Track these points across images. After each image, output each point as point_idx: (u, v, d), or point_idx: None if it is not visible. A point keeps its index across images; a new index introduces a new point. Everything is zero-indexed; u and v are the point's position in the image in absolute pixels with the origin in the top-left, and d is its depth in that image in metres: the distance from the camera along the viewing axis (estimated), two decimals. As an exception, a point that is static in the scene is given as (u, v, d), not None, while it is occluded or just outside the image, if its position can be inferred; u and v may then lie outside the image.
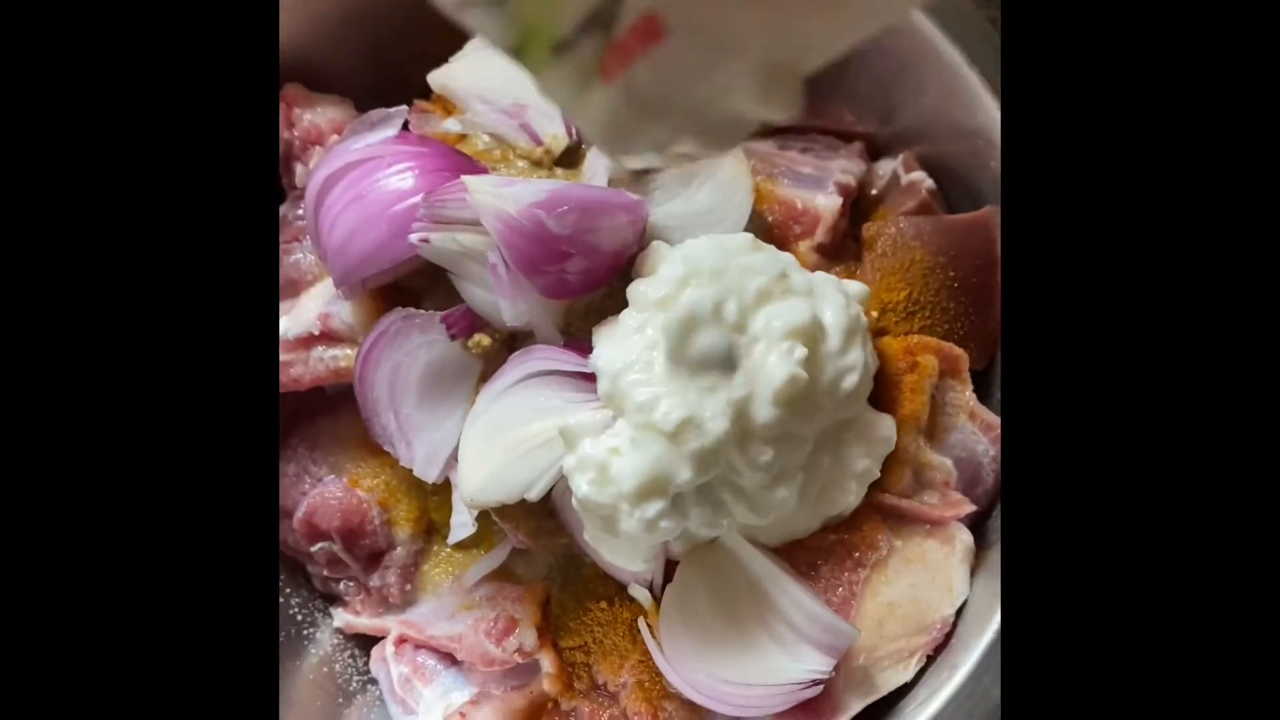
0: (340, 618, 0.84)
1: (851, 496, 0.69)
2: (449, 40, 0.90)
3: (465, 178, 0.66)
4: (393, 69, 0.91)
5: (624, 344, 0.66)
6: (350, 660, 0.85)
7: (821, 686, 0.65)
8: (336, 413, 0.83)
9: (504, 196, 0.65)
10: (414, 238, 0.68)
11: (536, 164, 0.78)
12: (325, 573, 0.83)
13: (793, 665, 0.65)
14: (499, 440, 0.68)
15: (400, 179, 0.70)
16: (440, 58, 0.91)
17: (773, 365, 0.63)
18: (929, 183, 0.81)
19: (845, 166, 0.81)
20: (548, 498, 0.71)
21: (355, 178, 0.72)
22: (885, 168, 0.85)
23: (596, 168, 0.75)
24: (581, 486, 0.65)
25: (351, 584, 0.84)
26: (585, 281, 0.68)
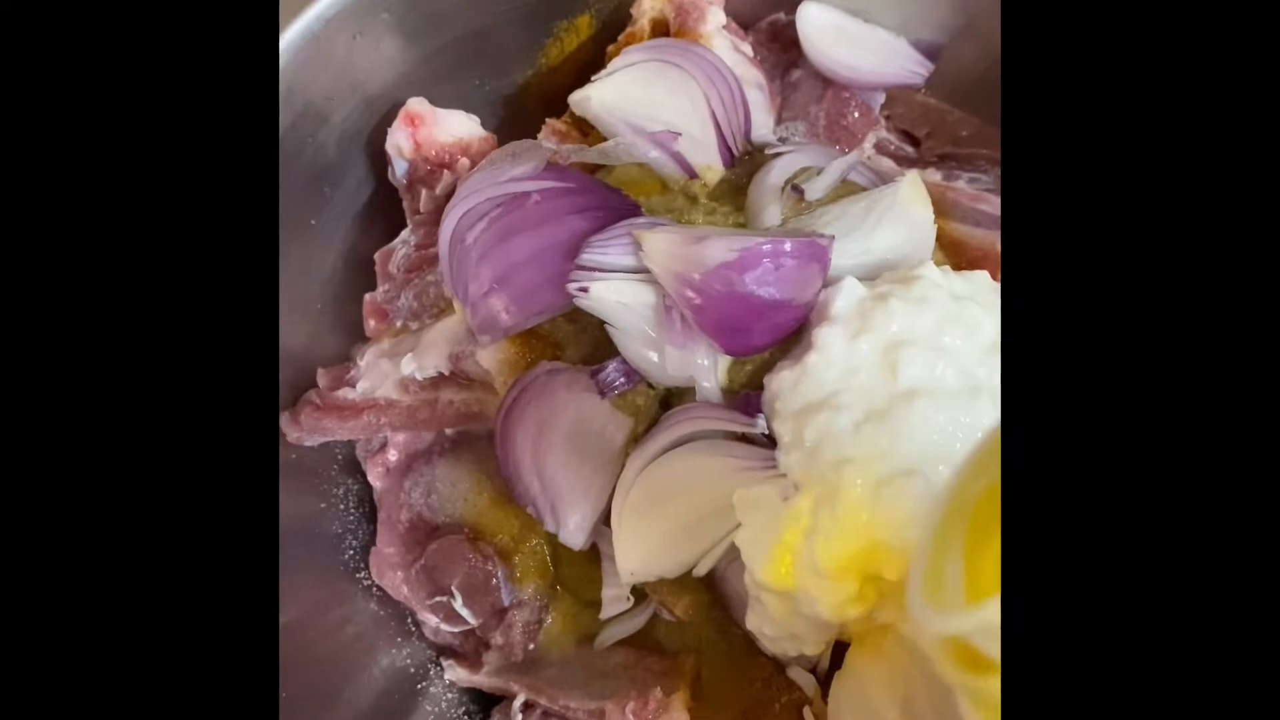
0: (454, 672, 0.79)
1: None
2: (579, 58, 0.85)
3: (638, 232, 0.60)
4: (516, 83, 0.86)
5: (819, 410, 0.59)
6: (466, 717, 0.80)
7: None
8: (457, 456, 0.77)
9: (687, 258, 0.58)
10: (571, 288, 0.62)
11: (691, 199, 0.71)
12: (443, 626, 0.78)
13: None
14: (661, 509, 0.63)
15: (551, 220, 0.64)
16: (566, 73, 0.85)
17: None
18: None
19: (1024, 205, 0.73)
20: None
21: (498, 215, 0.65)
22: (1057, 202, 0.78)
23: (768, 205, 0.68)
24: (762, 566, 0.59)
25: (469, 637, 0.79)
26: (772, 338, 0.62)
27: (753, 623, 0.64)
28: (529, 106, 0.86)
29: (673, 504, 0.62)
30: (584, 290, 0.62)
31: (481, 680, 0.77)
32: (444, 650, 0.80)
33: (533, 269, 0.64)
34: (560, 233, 0.64)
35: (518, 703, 0.74)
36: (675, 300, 0.62)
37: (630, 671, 0.71)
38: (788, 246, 0.60)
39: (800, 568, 0.59)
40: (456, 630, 0.78)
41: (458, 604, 0.75)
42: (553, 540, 0.73)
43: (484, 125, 0.83)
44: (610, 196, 0.66)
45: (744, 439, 0.63)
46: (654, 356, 0.64)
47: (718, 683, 0.70)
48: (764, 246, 0.59)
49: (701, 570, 0.62)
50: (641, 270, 0.62)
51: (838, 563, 0.58)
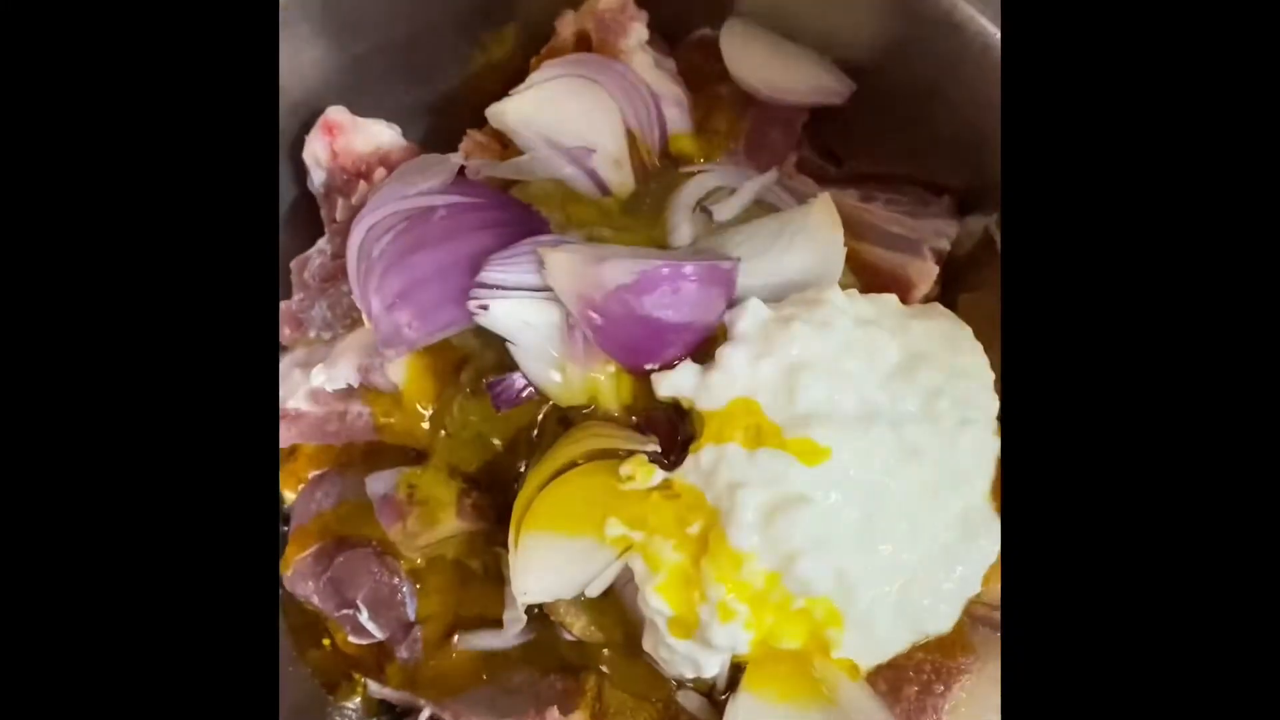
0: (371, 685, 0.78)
1: (950, 611, 0.62)
2: (506, 69, 0.84)
3: (541, 250, 0.60)
4: (442, 93, 0.86)
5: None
6: (375, 730, 0.79)
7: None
8: (369, 467, 0.76)
9: (588, 278, 0.58)
10: (471, 305, 0.61)
11: (604, 214, 0.71)
12: (350, 637, 0.77)
13: None
14: (557, 529, 0.62)
15: (456, 236, 0.64)
16: (494, 83, 0.84)
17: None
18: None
19: (939, 228, 0.74)
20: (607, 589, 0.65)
21: (405, 229, 0.65)
22: (975, 225, 0.78)
23: (680, 225, 0.68)
24: (654, 594, 0.59)
25: (377, 650, 0.78)
26: (673, 357, 0.62)
27: (649, 644, 0.64)
28: (455, 116, 0.85)
29: (568, 524, 0.62)
30: (484, 308, 0.61)
31: (391, 694, 0.77)
32: (353, 662, 0.80)
33: (436, 285, 0.63)
34: (464, 248, 0.63)
35: (423, 716, 0.74)
36: (577, 319, 0.61)
37: (534, 688, 0.70)
38: (687, 270, 0.60)
39: (691, 590, 0.59)
40: (363, 643, 0.77)
41: (363, 617, 0.74)
42: (461, 557, 0.73)
43: (409, 135, 0.82)
44: (518, 212, 0.66)
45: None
46: (555, 376, 0.64)
47: (619, 702, 0.69)
48: (663, 270, 0.59)
49: (593, 592, 0.62)
50: (545, 288, 0.62)
51: (729, 588, 0.58)
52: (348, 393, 0.73)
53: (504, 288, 0.62)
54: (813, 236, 0.67)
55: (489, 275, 0.61)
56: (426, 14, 0.81)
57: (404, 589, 0.74)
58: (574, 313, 0.61)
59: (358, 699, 0.79)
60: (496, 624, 0.72)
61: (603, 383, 0.64)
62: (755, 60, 0.79)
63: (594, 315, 0.60)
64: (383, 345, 0.66)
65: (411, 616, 0.75)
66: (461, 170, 0.70)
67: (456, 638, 0.74)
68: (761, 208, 0.71)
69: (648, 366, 0.63)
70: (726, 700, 0.64)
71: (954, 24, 0.75)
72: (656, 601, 0.59)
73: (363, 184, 0.74)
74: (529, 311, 0.62)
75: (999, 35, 0.72)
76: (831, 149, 0.83)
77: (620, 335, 0.61)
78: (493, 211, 0.65)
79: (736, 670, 0.65)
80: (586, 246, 0.63)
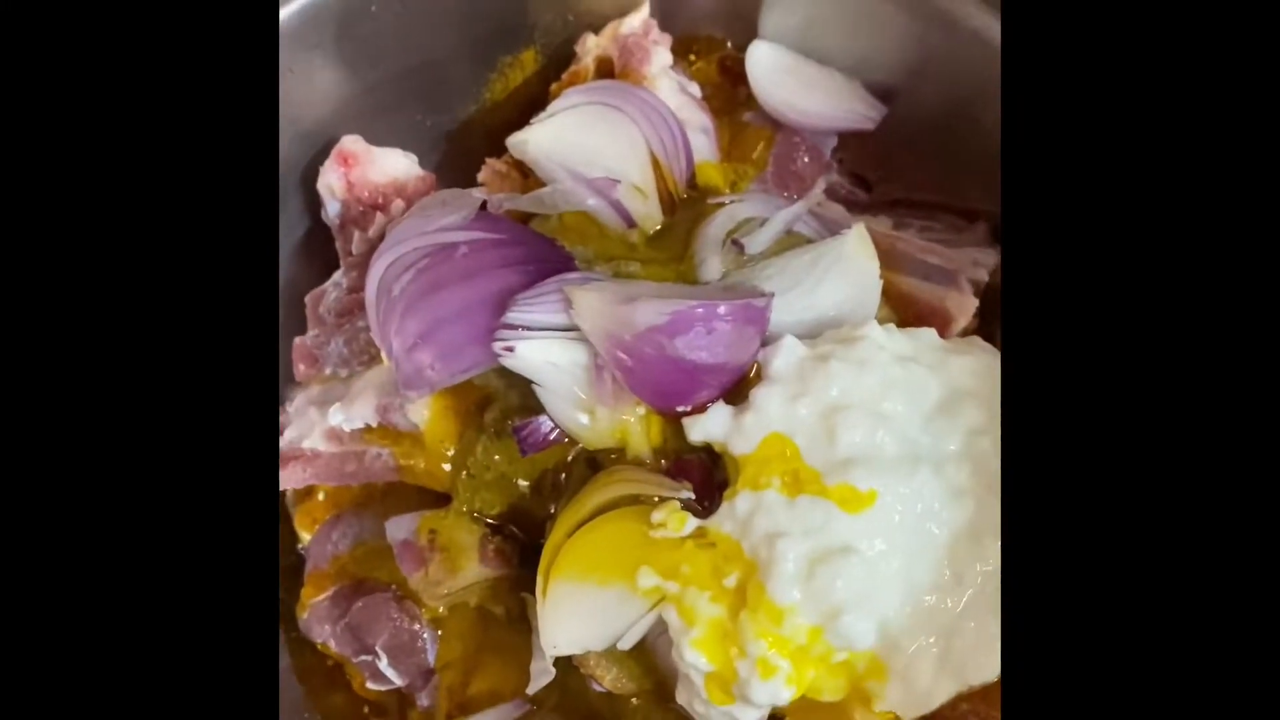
0: (385, 730, 0.76)
1: (995, 663, 0.59)
2: (525, 94, 0.82)
3: (568, 290, 0.57)
4: (460, 119, 0.84)
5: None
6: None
7: None
8: (387, 508, 0.74)
9: (618, 319, 0.56)
10: (497, 347, 0.59)
11: (630, 247, 0.68)
12: (369, 684, 0.75)
13: None
14: (587, 577, 0.60)
15: (479, 274, 0.61)
16: (512, 109, 0.82)
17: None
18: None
19: (977, 257, 0.71)
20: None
21: (426, 266, 0.63)
22: (1012, 253, 0.76)
23: (708, 258, 0.65)
24: (690, 649, 0.56)
25: (397, 695, 0.76)
26: (706, 399, 0.60)
27: (683, 698, 0.61)
28: (472, 143, 0.83)
29: (599, 573, 0.59)
30: (509, 350, 0.59)
31: (408, 744, 0.75)
32: (373, 706, 0.77)
33: (460, 325, 0.61)
34: (489, 287, 0.61)
35: (445, 765, 0.72)
36: (606, 360, 0.59)
37: (561, 740, 0.68)
38: (721, 309, 0.57)
39: (729, 645, 0.57)
40: (383, 689, 0.75)
41: (383, 664, 0.72)
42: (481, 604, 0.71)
43: (425, 162, 0.80)
44: (542, 248, 0.64)
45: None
46: (583, 419, 0.61)
47: (652, 752, 0.67)
48: (697, 310, 0.57)
49: (626, 644, 0.59)
50: (571, 328, 0.60)
51: (770, 643, 0.56)
52: (366, 432, 0.70)
53: (530, 328, 0.59)
54: (848, 269, 0.65)
55: (515, 316, 0.59)
56: (443, 39, 0.79)
57: (424, 635, 0.72)
58: (603, 354, 0.59)
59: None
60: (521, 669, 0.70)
61: (632, 425, 0.61)
62: (783, 84, 0.77)
63: (624, 356, 0.58)
64: (404, 387, 0.63)
65: (432, 663, 0.72)
66: (483, 204, 0.68)
67: None
68: (793, 238, 0.69)
69: (679, 409, 0.61)
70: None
71: (984, 42, 0.73)
72: (693, 656, 0.57)
73: (379, 216, 0.72)
74: (556, 353, 0.60)
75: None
76: (862, 174, 0.81)
77: (651, 377, 0.58)
78: (516, 248, 0.63)
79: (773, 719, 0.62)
80: (615, 284, 0.61)
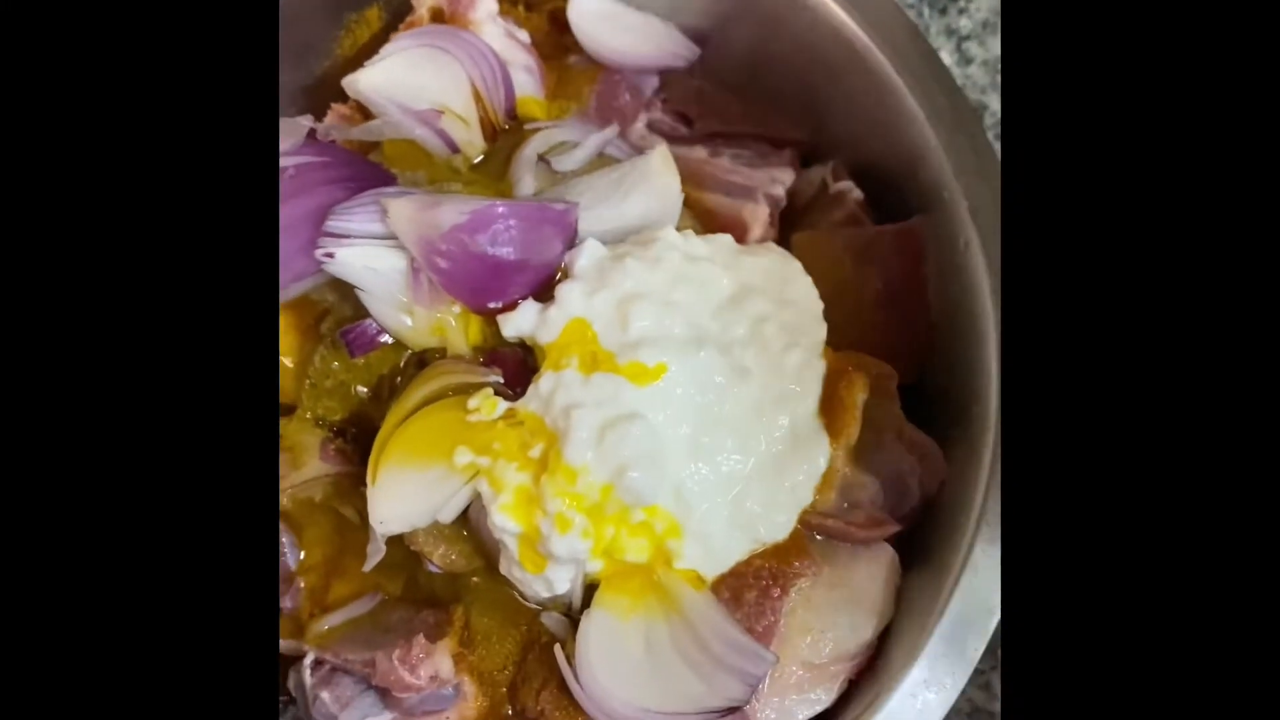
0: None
1: (784, 520, 0.67)
2: (372, 49, 0.88)
3: (384, 199, 0.64)
4: (315, 75, 0.90)
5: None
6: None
7: (737, 712, 0.63)
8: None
9: (425, 221, 0.62)
10: (318, 254, 0.65)
11: (454, 171, 0.75)
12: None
13: (710, 692, 0.63)
14: (411, 463, 0.66)
15: (304, 192, 0.67)
16: (361, 62, 0.88)
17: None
18: (857, 193, 0.79)
19: (775, 175, 0.79)
20: (464, 518, 0.68)
21: (257, 188, 0.68)
22: (815, 175, 0.83)
23: (523, 176, 0.72)
24: (499, 513, 0.62)
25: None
26: (515, 296, 0.66)
27: (504, 567, 0.68)
28: (327, 96, 0.88)
29: (421, 456, 0.65)
30: (330, 256, 0.65)
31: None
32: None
33: (285, 238, 0.67)
34: (312, 202, 0.67)
35: (307, 660, 0.77)
36: (421, 264, 0.65)
37: (407, 625, 0.74)
38: (518, 208, 0.64)
39: (534, 508, 0.63)
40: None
41: (247, 569, 0.77)
42: (336, 510, 0.77)
43: (285, 115, 0.86)
44: (365, 169, 0.70)
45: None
46: (405, 320, 0.67)
47: (487, 629, 0.73)
48: (496, 209, 0.63)
49: (446, 517, 0.66)
50: (389, 236, 0.66)
51: (567, 500, 0.62)
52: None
53: (350, 236, 0.65)
54: (651, 184, 0.72)
55: (334, 224, 0.65)
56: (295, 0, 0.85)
57: (284, 539, 0.77)
58: (417, 256, 0.65)
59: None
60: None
61: (451, 324, 0.67)
62: (602, 28, 0.84)
63: (435, 259, 0.64)
64: None
65: (292, 566, 0.78)
66: (315, 138, 0.74)
67: (325, 621, 0.77)
68: (604, 159, 0.75)
69: (491, 305, 0.67)
70: (584, 618, 0.68)
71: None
72: (502, 520, 0.63)
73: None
74: (375, 258, 0.66)
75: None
76: (683, 111, 0.88)
77: (461, 276, 0.65)
78: (340, 169, 0.69)
79: (592, 590, 0.69)
80: (426, 194, 0.67)
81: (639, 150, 0.79)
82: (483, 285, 0.65)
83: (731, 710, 0.63)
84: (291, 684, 0.79)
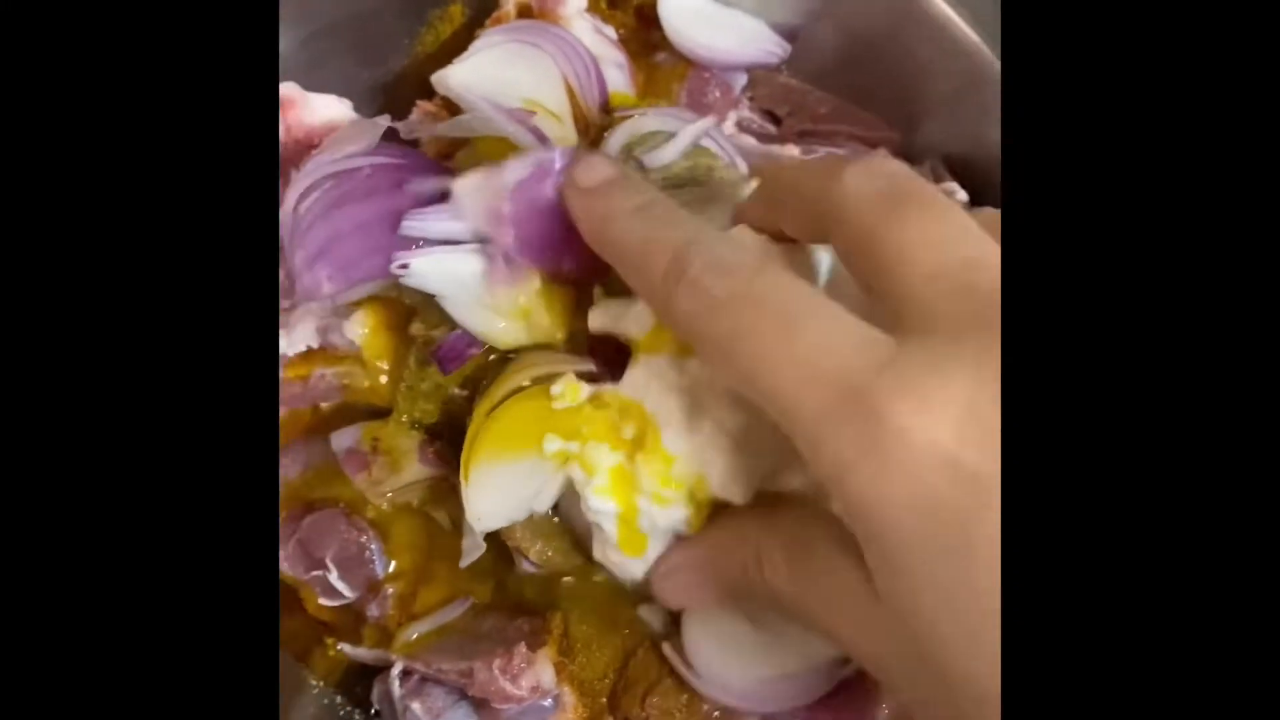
0: (344, 646, 0.79)
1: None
2: (455, 45, 0.87)
3: (452, 183, 0.62)
4: (394, 72, 0.89)
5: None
6: (352, 692, 0.80)
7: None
8: (334, 431, 0.79)
9: (492, 188, 0.61)
10: (393, 268, 0.63)
11: (547, 170, 0.73)
12: (322, 599, 0.79)
13: (825, 646, 0.62)
14: (504, 455, 0.64)
15: (378, 193, 0.66)
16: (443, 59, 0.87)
17: None
18: (962, 194, 0.77)
19: (872, 170, 0.77)
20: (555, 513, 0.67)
21: (331, 188, 0.67)
22: (913, 174, 0.81)
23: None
24: (594, 496, 0.60)
25: (348, 612, 0.80)
26: (585, 267, 0.64)
27: (599, 552, 0.65)
28: (406, 93, 0.88)
29: (512, 449, 0.63)
30: (404, 268, 0.63)
31: (364, 654, 0.78)
32: (326, 627, 0.81)
33: (356, 239, 0.65)
34: (386, 204, 0.65)
35: (396, 670, 0.75)
36: (493, 237, 0.63)
37: (502, 633, 0.72)
38: (576, 151, 0.62)
39: (630, 489, 0.61)
40: (335, 604, 0.79)
41: (333, 577, 0.76)
42: (426, 514, 0.75)
43: (362, 112, 0.84)
44: (444, 169, 0.69)
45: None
46: (489, 319, 0.66)
47: (586, 637, 0.71)
48: (555, 152, 0.61)
49: (541, 506, 0.64)
50: (466, 238, 0.64)
51: (662, 478, 0.60)
52: (309, 355, 0.74)
53: (425, 239, 0.63)
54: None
55: (408, 225, 0.63)
56: (371, -7, 0.84)
57: (371, 546, 0.76)
58: (489, 231, 0.62)
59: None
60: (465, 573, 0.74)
61: (535, 307, 0.65)
62: (692, 25, 0.83)
63: (505, 228, 0.62)
64: (303, 297, 0.67)
65: (380, 574, 0.76)
66: (397, 138, 0.72)
67: (414, 629, 0.76)
68: (699, 153, 0.73)
69: (566, 268, 0.64)
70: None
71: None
72: (599, 502, 0.61)
73: (313, 154, 0.77)
74: (451, 263, 0.64)
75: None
76: (771, 110, 0.86)
77: (533, 237, 0.62)
78: (419, 170, 0.67)
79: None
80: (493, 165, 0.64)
81: (737, 146, 0.77)
82: (554, 242, 0.62)
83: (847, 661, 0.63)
84: (376, 696, 0.78)
